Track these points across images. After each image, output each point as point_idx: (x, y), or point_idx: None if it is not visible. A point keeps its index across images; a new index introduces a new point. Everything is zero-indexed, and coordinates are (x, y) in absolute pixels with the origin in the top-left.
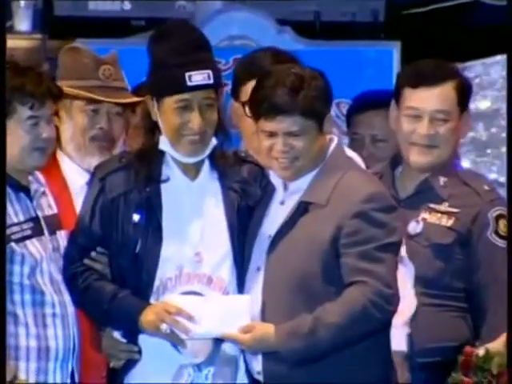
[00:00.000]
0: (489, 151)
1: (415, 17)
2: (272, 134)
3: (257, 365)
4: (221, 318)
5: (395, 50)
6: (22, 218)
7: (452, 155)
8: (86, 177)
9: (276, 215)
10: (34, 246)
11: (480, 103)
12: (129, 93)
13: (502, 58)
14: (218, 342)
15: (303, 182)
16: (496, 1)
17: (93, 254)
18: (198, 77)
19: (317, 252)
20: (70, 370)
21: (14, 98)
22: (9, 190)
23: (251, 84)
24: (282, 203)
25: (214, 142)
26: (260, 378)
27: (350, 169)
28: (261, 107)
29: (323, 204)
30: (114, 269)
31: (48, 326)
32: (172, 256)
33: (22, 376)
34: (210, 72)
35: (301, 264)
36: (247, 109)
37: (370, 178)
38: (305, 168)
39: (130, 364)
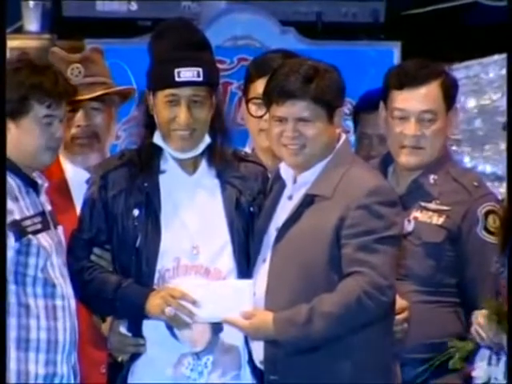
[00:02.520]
0: (487, 147)
1: (415, 17)
2: (282, 120)
3: (259, 354)
4: (224, 303)
5: (396, 50)
6: (32, 212)
7: (441, 153)
8: (84, 175)
9: (284, 209)
10: (44, 240)
11: (479, 101)
12: (104, 86)
13: (499, 58)
14: (217, 331)
15: (311, 176)
16: (494, 1)
17: (97, 251)
18: (187, 73)
19: (321, 242)
20: (73, 361)
21: (32, 96)
22: (20, 185)
23: (259, 82)
24: (290, 198)
25: (207, 139)
26: (262, 367)
27: (356, 163)
28: (273, 93)
29: (328, 196)
30: (116, 263)
31: (58, 319)
32: (170, 248)
33: (31, 367)
34: (200, 70)
35: (305, 254)
36: (251, 106)
37: (374, 173)
38: (313, 157)
39: (135, 356)
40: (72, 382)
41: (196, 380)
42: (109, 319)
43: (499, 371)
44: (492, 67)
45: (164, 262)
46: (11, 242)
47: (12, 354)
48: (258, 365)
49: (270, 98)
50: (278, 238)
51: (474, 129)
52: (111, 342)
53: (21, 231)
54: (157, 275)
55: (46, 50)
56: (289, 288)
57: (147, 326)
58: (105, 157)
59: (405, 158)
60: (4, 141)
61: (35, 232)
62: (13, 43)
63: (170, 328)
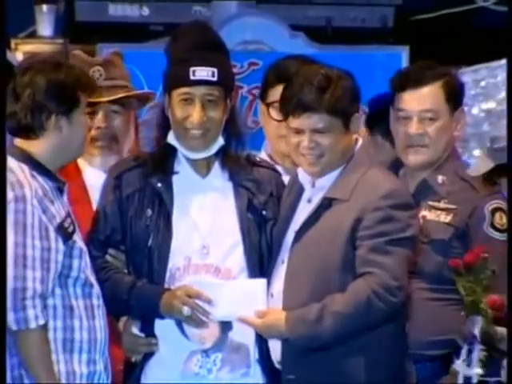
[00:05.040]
0: (495, 147)
1: (423, 22)
2: (299, 131)
3: (277, 354)
4: (238, 302)
5: (404, 53)
6: (64, 214)
7: (448, 152)
8: (102, 177)
9: (302, 212)
10: (79, 240)
11: (486, 104)
12: (124, 89)
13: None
14: (226, 329)
15: (329, 180)
16: (500, 7)
17: (112, 251)
18: (201, 72)
19: (337, 244)
20: (106, 358)
21: (79, 88)
22: (52, 187)
23: (278, 88)
24: (309, 201)
25: (220, 141)
26: (280, 367)
27: (372, 167)
28: (289, 105)
29: (345, 199)
30: (129, 262)
31: (96, 318)
32: (181, 247)
33: (76, 367)
34: (215, 70)
35: (322, 255)
36: (271, 110)
37: (390, 176)
38: (330, 165)
39: (148, 355)
40: (106, 378)
41: (205, 377)
42: (122, 320)
43: (472, 371)
44: (499, 71)
45: (175, 261)
46: (60, 245)
47: (60, 356)
48: (277, 365)
49: (286, 110)
50: (296, 240)
51: (482, 132)
52: (124, 343)
53: (66, 234)
54: (167, 274)
55: (59, 54)
56: (305, 288)
57: (157, 325)
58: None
59: (410, 157)
60: (4, 141)
61: (72, 233)
62: (26, 47)
63: (179, 326)
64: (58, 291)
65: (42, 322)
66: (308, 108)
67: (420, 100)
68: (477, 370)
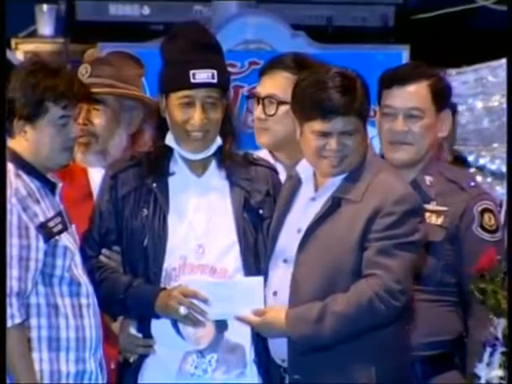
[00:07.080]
0: (494, 146)
1: (423, 21)
2: (325, 134)
3: (280, 353)
4: (235, 300)
5: (404, 53)
6: (52, 213)
7: (432, 153)
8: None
9: (307, 211)
10: (67, 239)
11: (487, 102)
12: (108, 88)
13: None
14: (222, 329)
15: (336, 179)
16: (500, 6)
17: (106, 252)
18: (201, 75)
19: (349, 245)
20: (99, 357)
21: (48, 97)
22: (39, 187)
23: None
24: (314, 199)
25: (218, 141)
26: (284, 365)
27: (384, 168)
28: (314, 109)
29: (357, 200)
30: (125, 262)
31: (84, 317)
32: (176, 247)
33: (63, 366)
34: (214, 72)
35: (331, 256)
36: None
37: (401, 179)
38: (350, 165)
39: (143, 355)
40: (99, 377)
41: (200, 377)
42: (119, 320)
43: (493, 374)
44: (500, 70)
45: (171, 261)
46: (40, 244)
47: (44, 355)
48: (280, 363)
49: (310, 114)
50: (304, 241)
51: (482, 128)
52: (121, 343)
53: (48, 233)
54: (163, 273)
55: (59, 53)
56: (314, 289)
57: (152, 325)
58: (108, 159)
59: (392, 154)
60: (4, 141)
61: (59, 232)
62: (27, 47)
63: (175, 326)
64: (41, 289)
65: (18, 320)
66: (339, 112)
67: (406, 97)
68: (498, 373)
